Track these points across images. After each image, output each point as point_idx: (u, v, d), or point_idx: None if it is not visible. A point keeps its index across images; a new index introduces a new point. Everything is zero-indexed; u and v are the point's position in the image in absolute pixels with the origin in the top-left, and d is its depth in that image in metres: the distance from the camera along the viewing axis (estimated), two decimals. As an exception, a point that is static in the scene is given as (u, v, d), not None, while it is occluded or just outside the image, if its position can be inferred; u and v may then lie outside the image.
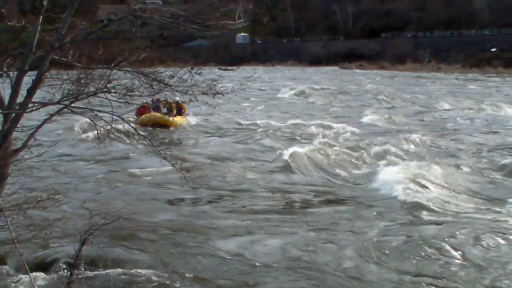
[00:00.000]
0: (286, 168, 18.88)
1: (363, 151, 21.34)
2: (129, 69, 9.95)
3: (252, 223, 12.93)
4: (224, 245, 11.46)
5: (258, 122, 30.81)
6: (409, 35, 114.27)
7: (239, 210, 14.05)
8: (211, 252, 11.08)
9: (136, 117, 28.76)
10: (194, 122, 31.29)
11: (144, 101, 26.97)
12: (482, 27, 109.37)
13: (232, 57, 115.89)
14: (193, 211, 13.97)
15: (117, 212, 11.18)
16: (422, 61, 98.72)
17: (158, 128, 28.06)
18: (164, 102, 27.69)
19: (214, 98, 11.36)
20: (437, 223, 12.57)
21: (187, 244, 11.44)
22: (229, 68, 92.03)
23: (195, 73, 10.16)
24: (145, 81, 9.73)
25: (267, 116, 33.98)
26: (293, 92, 49.73)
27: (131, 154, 20.88)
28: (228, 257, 10.85)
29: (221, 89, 10.85)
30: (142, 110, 29.19)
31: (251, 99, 44.72)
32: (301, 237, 11.88)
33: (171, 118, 29.26)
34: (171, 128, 28.82)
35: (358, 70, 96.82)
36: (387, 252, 10.88)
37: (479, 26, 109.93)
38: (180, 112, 31.17)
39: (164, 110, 30.82)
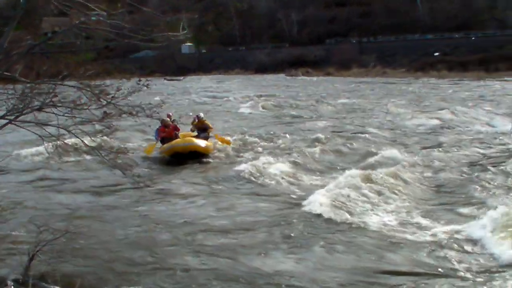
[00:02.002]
0: (237, 180, 18.87)
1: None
2: (75, 82, 9.91)
3: (205, 235, 12.90)
4: (176, 258, 11.41)
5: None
6: (354, 41, 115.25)
7: (192, 222, 13.99)
8: (163, 266, 11.02)
9: (156, 139, 23.81)
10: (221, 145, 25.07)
11: (166, 117, 24.05)
12: (425, 31, 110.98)
13: (178, 67, 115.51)
14: (145, 224, 13.84)
15: (65, 227, 11.11)
16: (368, 66, 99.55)
17: (189, 159, 22.01)
18: (197, 121, 24.69)
19: (158, 119, 11.39)
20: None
21: (138, 259, 11.36)
22: (175, 78, 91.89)
23: (143, 85, 10.16)
24: (92, 94, 9.71)
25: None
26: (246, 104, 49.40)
27: (80, 167, 20.71)
28: (180, 271, 10.78)
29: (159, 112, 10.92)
30: (165, 132, 23.42)
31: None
32: (243, 257, 11.84)
33: (206, 143, 23.05)
34: (208, 157, 22.74)
35: (304, 77, 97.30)
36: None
37: (422, 31, 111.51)
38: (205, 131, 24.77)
39: (192, 130, 25.04)
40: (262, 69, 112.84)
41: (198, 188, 17.56)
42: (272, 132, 29.19)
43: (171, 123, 24.08)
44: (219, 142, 24.80)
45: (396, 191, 15.75)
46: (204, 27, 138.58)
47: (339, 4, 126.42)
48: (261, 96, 54.99)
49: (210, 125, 25.22)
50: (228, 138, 25.78)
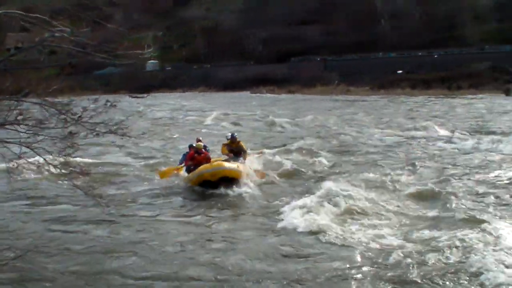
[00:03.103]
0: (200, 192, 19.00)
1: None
2: (38, 99, 9.81)
3: (167, 248, 12.82)
4: (140, 273, 11.32)
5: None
6: (318, 59, 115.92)
7: (154, 237, 13.91)
8: (126, 282, 10.92)
9: (181, 164, 21.82)
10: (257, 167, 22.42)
11: (195, 143, 21.86)
12: (389, 50, 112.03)
13: (142, 84, 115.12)
14: (107, 241, 13.70)
15: (26, 246, 10.95)
16: (332, 84, 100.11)
17: (222, 187, 19.00)
18: (230, 141, 21.72)
19: (121, 138, 11.30)
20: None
21: (101, 276, 11.23)
22: (140, 95, 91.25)
23: (110, 105, 10.11)
24: (56, 112, 9.63)
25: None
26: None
27: (42, 186, 20.43)
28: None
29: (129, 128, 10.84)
30: (196, 159, 20.60)
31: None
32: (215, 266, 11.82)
33: (238, 165, 19.97)
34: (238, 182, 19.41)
35: (269, 95, 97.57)
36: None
37: (385, 49, 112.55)
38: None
39: (223, 152, 21.86)
40: (226, 86, 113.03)
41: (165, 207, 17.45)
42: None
43: (203, 148, 21.13)
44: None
45: (366, 207, 15.79)
46: (169, 45, 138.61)
47: (303, 23, 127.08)
48: (227, 114, 55.01)
49: (246, 148, 22.07)
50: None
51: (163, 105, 74.99)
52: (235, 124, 44.91)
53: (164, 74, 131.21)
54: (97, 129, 10.62)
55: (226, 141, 22.23)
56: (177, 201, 18.55)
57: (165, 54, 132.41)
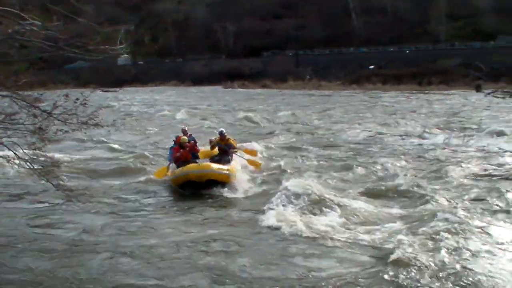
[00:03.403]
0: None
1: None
2: (8, 93, 9.71)
3: (129, 243, 12.70)
4: (109, 270, 11.21)
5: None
6: (290, 53, 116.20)
7: (125, 231, 13.77)
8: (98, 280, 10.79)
9: (169, 161, 20.23)
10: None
11: (182, 131, 21.85)
12: (360, 45, 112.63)
13: (114, 79, 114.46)
14: (76, 238, 13.47)
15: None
16: (304, 79, 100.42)
17: (207, 190, 17.87)
18: (219, 138, 20.72)
19: (94, 129, 11.19)
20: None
21: (68, 275, 11.05)
22: (111, 90, 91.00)
23: (80, 103, 10.01)
24: (25, 106, 9.52)
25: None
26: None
27: (12, 180, 20.16)
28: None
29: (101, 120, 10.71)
30: (181, 153, 19.36)
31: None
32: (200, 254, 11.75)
33: (228, 168, 18.51)
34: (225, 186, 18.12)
35: (241, 89, 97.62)
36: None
37: (357, 44, 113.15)
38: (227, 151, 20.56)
39: (212, 147, 21.01)
40: (198, 81, 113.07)
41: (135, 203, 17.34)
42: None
43: (187, 142, 19.67)
44: (249, 165, 21.05)
45: (341, 203, 15.83)
46: (141, 39, 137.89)
47: (275, 17, 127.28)
48: (199, 108, 54.94)
49: (235, 143, 21.16)
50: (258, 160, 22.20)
51: (135, 99, 74.59)
52: (205, 119, 44.68)
53: (136, 69, 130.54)
54: (68, 121, 10.53)
55: (213, 138, 21.55)
56: (155, 196, 18.22)
57: (137, 48, 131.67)
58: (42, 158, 11.58)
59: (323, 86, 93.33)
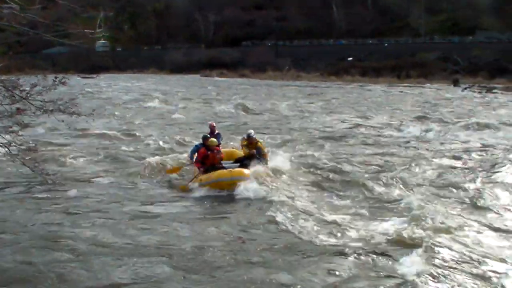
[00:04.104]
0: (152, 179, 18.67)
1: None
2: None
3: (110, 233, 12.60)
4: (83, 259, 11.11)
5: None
6: (270, 44, 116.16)
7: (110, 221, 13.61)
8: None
9: (190, 159, 18.97)
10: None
11: (209, 127, 20.30)
12: (340, 37, 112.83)
13: (92, 65, 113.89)
14: (53, 225, 13.32)
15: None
16: (283, 70, 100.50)
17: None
18: (248, 142, 18.68)
19: (71, 117, 11.10)
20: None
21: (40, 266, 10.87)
22: (89, 76, 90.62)
23: (59, 82, 9.97)
24: (4, 89, 9.46)
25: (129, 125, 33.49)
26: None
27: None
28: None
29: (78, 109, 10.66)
30: (209, 156, 17.63)
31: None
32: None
33: (261, 174, 17.16)
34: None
35: (219, 78, 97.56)
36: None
37: (337, 36, 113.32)
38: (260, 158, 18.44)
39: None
40: (177, 69, 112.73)
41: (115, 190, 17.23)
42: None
43: (216, 145, 18.06)
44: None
45: (317, 194, 15.87)
46: (120, 25, 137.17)
47: (257, 7, 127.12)
48: (177, 96, 54.78)
49: (263, 148, 19.13)
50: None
51: (112, 86, 74.20)
52: (185, 108, 44.54)
53: (115, 55, 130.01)
54: (45, 107, 10.48)
55: (243, 140, 19.36)
56: (134, 181, 18.18)
57: (116, 35, 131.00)
58: (19, 143, 11.50)
59: (302, 77, 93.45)
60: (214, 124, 21.07)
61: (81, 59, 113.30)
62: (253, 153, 18.11)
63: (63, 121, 13.00)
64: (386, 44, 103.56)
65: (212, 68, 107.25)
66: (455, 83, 75.30)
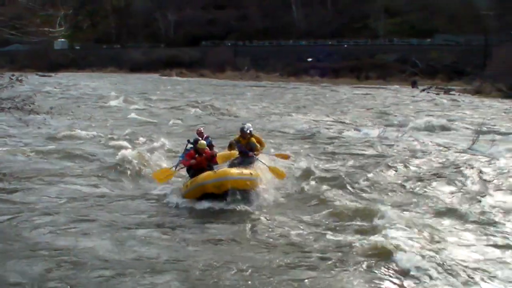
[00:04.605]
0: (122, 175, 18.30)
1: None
2: None
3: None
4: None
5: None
6: (229, 44, 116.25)
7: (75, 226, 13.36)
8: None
9: (178, 164, 17.02)
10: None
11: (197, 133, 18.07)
12: (300, 37, 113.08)
13: (50, 63, 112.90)
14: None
15: None
16: (242, 70, 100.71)
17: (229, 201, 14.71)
18: (240, 135, 17.33)
19: (28, 115, 11.01)
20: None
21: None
22: (47, 74, 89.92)
23: (16, 79, 9.90)
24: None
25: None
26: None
27: None
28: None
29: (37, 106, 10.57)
30: (197, 160, 15.94)
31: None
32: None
33: (251, 172, 15.39)
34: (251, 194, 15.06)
35: (178, 78, 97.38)
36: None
37: (296, 37, 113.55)
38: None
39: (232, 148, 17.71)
40: (136, 68, 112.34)
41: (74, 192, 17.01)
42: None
43: (206, 147, 16.34)
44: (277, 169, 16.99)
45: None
46: (80, 24, 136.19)
47: (216, 7, 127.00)
48: (136, 96, 54.50)
49: (261, 141, 18.43)
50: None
51: (71, 84, 73.44)
52: (142, 109, 44.15)
53: (73, 54, 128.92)
54: (2, 105, 10.41)
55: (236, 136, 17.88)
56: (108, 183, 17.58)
57: (76, 33, 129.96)
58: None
59: (261, 78, 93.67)
60: (202, 129, 18.86)
61: (40, 57, 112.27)
62: (242, 149, 16.74)
63: (20, 118, 12.85)
64: (345, 45, 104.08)
65: (172, 67, 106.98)
66: (414, 85, 76.25)
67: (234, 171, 15.14)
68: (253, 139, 17.14)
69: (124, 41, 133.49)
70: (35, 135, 26.70)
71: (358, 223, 13.13)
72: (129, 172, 18.51)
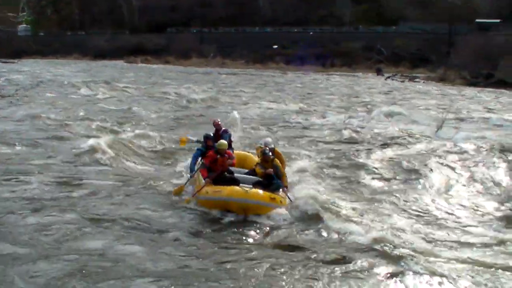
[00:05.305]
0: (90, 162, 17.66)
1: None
2: None
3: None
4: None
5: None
6: (195, 31, 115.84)
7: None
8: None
9: (192, 170, 14.63)
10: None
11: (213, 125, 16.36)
12: (265, 24, 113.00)
13: (13, 50, 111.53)
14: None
15: None
16: (207, 56, 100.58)
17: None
18: (263, 160, 14.16)
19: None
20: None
21: None
22: (10, 60, 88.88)
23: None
24: None
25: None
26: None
27: None
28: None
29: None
30: (217, 161, 13.76)
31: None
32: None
33: (277, 198, 13.13)
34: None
35: (143, 64, 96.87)
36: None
37: (262, 24, 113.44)
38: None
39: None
40: (101, 55, 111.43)
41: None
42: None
43: (227, 148, 14.27)
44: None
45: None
46: (43, 10, 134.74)
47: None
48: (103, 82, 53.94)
49: (283, 160, 15.17)
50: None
51: (34, 71, 72.46)
52: (106, 95, 43.54)
53: (37, 40, 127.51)
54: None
55: (257, 149, 15.33)
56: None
57: (39, 19, 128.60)
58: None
59: (227, 64, 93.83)
60: (219, 121, 16.75)
61: (3, 43, 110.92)
62: (270, 172, 13.77)
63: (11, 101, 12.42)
64: (311, 33, 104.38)
65: (137, 54, 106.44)
66: (379, 72, 76.93)
67: (266, 196, 12.90)
68: (277, 161, 14.21)
69: (88, 27, 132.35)
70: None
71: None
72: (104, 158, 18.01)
